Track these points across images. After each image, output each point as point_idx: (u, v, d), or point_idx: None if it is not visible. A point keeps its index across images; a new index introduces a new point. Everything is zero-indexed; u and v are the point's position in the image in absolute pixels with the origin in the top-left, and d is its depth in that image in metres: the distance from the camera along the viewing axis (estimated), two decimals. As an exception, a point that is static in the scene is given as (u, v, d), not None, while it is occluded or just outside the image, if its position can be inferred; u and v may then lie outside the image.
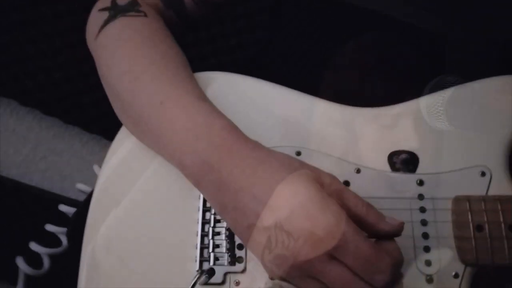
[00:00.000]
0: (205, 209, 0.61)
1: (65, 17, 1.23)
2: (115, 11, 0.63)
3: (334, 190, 0.50)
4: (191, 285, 0.55)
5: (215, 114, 0.55)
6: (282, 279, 0.50)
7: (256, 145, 0.54)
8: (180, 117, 0.55)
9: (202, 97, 0.58)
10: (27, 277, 0.82)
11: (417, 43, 0.69)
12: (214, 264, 0.58)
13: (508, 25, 0.68)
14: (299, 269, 0.48)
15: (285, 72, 0.73)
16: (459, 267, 0.55)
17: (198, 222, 0.60)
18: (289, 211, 0.47)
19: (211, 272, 0.57)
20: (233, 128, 0.54)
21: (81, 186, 0.80)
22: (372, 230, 0.50)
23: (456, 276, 0.55)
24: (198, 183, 0.54)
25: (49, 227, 0.82)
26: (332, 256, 0.47)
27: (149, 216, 0.61)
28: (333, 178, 0.51)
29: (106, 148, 1.43)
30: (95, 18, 0.65)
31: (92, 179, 1.32)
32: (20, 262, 0.80)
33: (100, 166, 0.65)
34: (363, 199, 0.51)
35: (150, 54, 0.60)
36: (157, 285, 0.58)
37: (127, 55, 0.60)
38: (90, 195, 0.64)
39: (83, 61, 1.28)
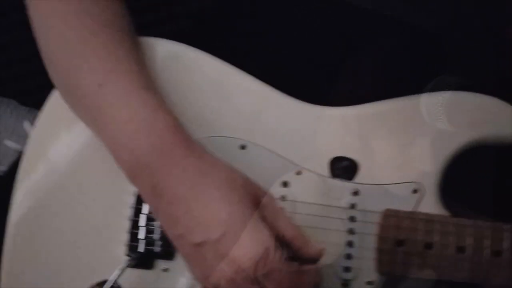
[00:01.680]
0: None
1: (65, 17, 1.24)
2: None
3: (269, 211, 0.52)
4: (121, 270, 0.56)
5: (159, 109, 0.53)
6: None
7: (200, 152, 0.52)
8: (120, 106, 0.52)
9: (147, 83, 0.54)
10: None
11: (416, 43, 0.68)
12: (145, 249, 0.59)
13: (508, 25, 0.68)
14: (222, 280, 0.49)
15: (239, 49, 0.68)
16: (374, 276, 0.58)
17: (131, 207, 0.60)
18: (221, 234, 0.48)
19: (140, 257, 0.58)
20: (177, 128, 0.52)
21: (9, 143, 0.78)
22: (297, 253, 0.53)
23: (369, 283, 0.58)
24: (132, 179, 0.53)
25: None
26: (256, 281, 0.49)
27: (80, 191, 0.61)
28: (271, 199, 0.54)
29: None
30: None
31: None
32: None
33: (31, 123, 0.62)
34: (293, 223, 0.54)
35: (92, 21, 0.55)
36: (84, 266, 0.59)
37: (64, 20, 0.55)
38: (19, 158, 0.63)
39: (83, 61, 1.28)
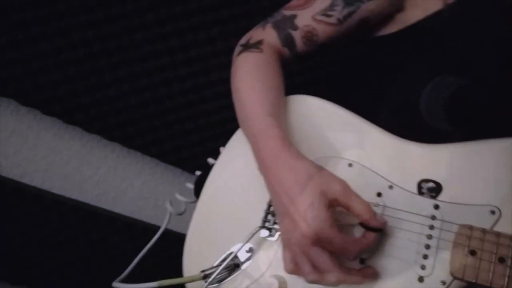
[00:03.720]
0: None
1: (65, 17, 1.25)
2: (244, 47, 0.95)
3: (342, 195, 0.73)
4: (252, 232, 0.85)
5: (272, 126, 0.82)
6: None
7: (295, 155, 0.78)
8: (255, 126, 0.84)
9: (274, 114, 0.85)
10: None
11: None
12: (273, 226, 0.87)
13: (508, 26, 0.80)
14: (294, 238, 0.72)
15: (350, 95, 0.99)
16: (448, 277, 0.70)
17: (267, 203, 0.90)
18: (294, 207, 0.73)
19: (270, 230, 0.87)
20: (283, 140, 0.80)
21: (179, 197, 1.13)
22: (364, 223, 0.74)
23: (443, 283, 0.70)
24: (258, 165, 0.84)
25: (188, 185, 1.12)
26: (315, 242, 0.71)
27: (245, 188, 0.93)
28: (343, 185, 0.74)
29: (105, 148, 1.45)
30: (236, 49, 0.97)
31: (92, 178, 1.32)
32: (168, 206, 1.09)
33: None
34: (363, 201, 0.73)
35: (254, 85, 0.89)
36: (238, 225, 0.90)
37: (240, 83, 0.91)
38: (209, 168, 1.00)
39: (83, 61, 1.29)
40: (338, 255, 0.72)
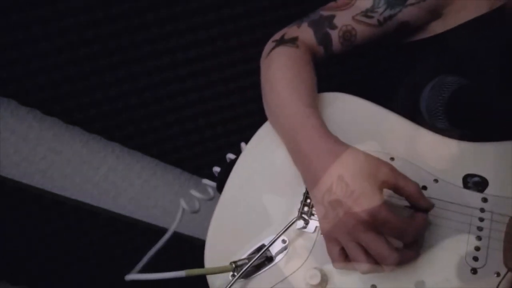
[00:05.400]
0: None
1: (65, 17, 1.25)
2: (278, 42, 0.93)
3: (391, 177, 0.72)
4: (289, 223, 0.82)
5: (312, 117, 0.82)
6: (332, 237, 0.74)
7: (338, 142, 0.78)
8: (292, 117, 0.83)
9: (312, 105, 0.85)
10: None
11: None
12: (309, 218, 0.84)
13: (507, 26, 0.83)
14: (345, 226, 0.71)
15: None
16: (502, 269, 0.70)
17: (303, 193, 0.87)
18: (343, 196, 0.71)
19: (305, 221, 0.83)
20: (322, 129, 0.80)
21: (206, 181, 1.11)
22: (413, 205, 0.74)
23: (497, 274, 0.70)
24: (293, 157, 0.84)
25: (205, 181, 1.10)
26: (370, 227, 0.69)
27: (277, 180, 0.90)
28: (392, 169, 0.73)
29: (106, 148, 1.45)
30: (268, 45, 0.95)
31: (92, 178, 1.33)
32: (182, 202, 1.05)
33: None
34: (411, 183, 0.73)
35: (290, 77, 0.88)
36: (269, 218, 0.87)
37: (275, 75, 0.89)
38: (233, 161, 0.97)
39: (83, 61, 1.30)
40: (394, 238, 0.72)
